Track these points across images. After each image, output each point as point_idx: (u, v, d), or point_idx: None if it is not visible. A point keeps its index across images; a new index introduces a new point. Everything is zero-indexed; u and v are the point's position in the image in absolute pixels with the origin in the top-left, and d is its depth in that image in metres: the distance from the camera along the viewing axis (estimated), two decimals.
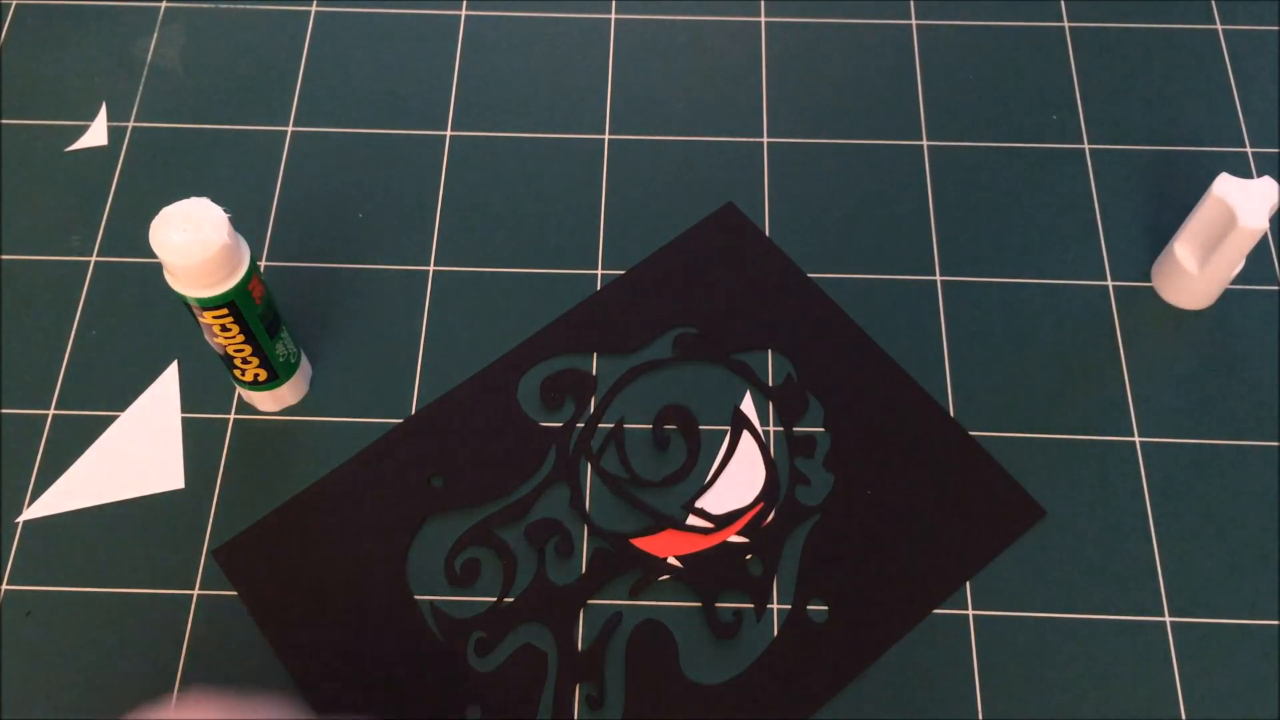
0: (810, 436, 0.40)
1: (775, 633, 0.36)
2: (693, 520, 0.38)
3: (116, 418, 0.40)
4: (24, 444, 0.40)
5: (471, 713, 0.35)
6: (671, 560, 0.38)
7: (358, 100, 0.47)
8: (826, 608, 0.37)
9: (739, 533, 0.38)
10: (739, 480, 0.39)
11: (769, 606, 0.37)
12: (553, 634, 0.36)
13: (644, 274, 0.43)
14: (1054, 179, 0.45)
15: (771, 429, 0.40)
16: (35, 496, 0.39)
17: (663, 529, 0.38)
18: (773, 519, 0.38)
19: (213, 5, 0.49)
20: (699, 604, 0.37)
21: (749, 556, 0.38)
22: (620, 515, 0.38)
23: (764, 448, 0.39)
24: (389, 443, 0.40)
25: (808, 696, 0.36)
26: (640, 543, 0.38)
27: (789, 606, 0.37)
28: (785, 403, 0.40)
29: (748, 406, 0.40)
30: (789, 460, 0.39)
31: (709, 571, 0.37)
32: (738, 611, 0.37)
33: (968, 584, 0.37)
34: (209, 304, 0.34)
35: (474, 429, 0.40)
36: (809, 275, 0.43)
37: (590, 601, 0.37)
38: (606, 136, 0.46)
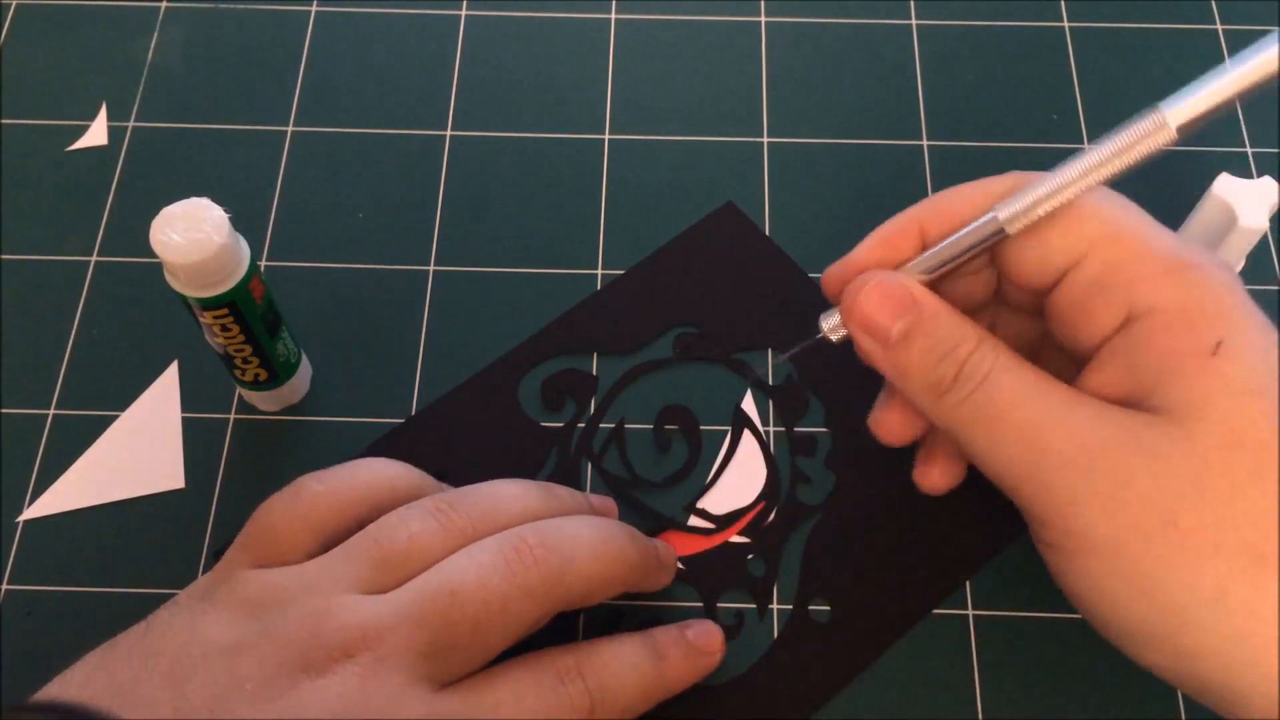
0: (811, 436, 0.40)
1: (776, 633, 0.37)
2: (694, 521, 0.38)
3: (116, 418, 0.40)
4: (24, 444, 0.40)
5: None
6: None
7: (358, 100, 0.47)
8: (828, 607, 0.37)
9: (740, 533, 0.38)
10: (740, 480, 0.39)
11: (770, 606, 0.37)
12: (555, 634, 0.36)
13: (644, 274, 0.43)
14: None
15: (772, 428, 0.40)
16: (35, 496, 0.39)
17: (664, 530, 0.38)
18: (774, 518, 0.38)
19: (213, 5, 0.49)
20: (700, 604, 0.37)
21: (750, 557, 0.38)
22: (622, 517, 0.38)
23: (765, 446, 0.39)
24: (389, 443, 0.39)
25: (808, 696, 0.36)
26: None
27: (790, 606, 0.37)
28: (786, 402, 0.40)
29: (749, 405, 0.40)
30: (790, 459, 0.39)
31: (710, 572, 0.37)
32: (739, 612, 0.37)
33: (968, 584, 0.37)
34: (209, 304, 0.34)
35: (475, 429, 0.40)
36: (809, 275, 0.43)
37: None
38: (606, 136, 0.46)
